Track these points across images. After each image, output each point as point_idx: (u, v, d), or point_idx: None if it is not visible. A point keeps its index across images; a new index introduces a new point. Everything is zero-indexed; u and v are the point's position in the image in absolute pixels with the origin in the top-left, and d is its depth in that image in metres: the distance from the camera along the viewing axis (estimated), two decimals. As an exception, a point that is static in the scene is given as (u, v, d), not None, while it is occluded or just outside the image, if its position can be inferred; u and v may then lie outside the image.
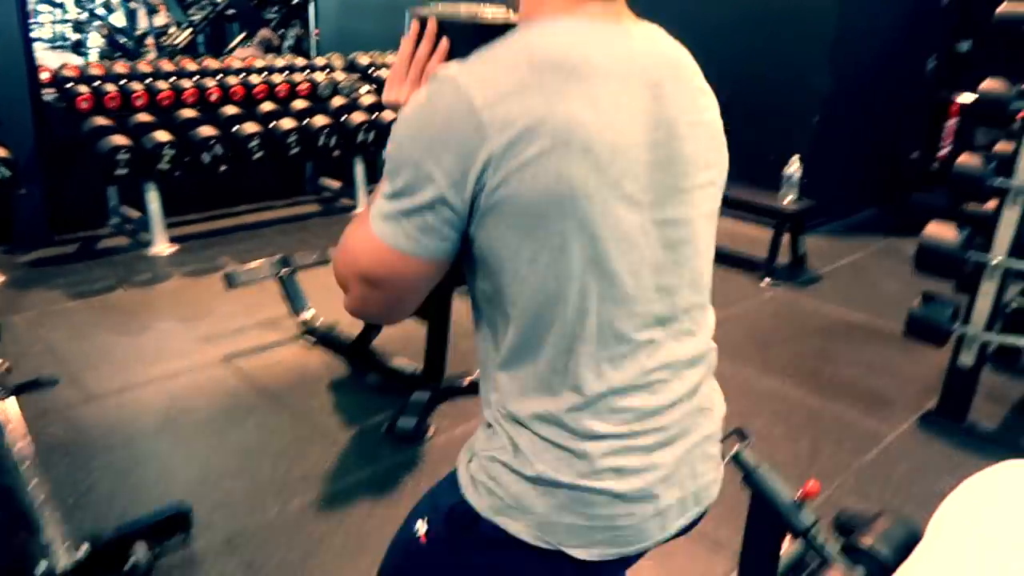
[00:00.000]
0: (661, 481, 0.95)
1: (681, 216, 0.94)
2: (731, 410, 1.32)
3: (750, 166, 4.97)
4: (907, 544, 1.77)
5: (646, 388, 0.94)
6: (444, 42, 0.97)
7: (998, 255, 2.68)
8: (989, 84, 2.67)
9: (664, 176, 0.91)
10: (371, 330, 3.08)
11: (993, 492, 1.72)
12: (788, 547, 1.97)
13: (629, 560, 0.98)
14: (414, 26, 0.99)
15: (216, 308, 3.65)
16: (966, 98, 5.42)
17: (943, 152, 5.87)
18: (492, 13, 1.01)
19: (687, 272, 0.97)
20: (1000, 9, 2.69)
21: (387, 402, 2.86)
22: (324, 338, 3.33)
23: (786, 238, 4.30)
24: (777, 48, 5.02)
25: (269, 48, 7.44)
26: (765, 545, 1.87)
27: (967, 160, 2.70)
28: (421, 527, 1.01)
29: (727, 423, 1.14)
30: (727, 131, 1.03)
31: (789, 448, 2.65)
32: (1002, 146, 3.10)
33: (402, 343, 3.29)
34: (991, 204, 2.78)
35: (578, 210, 0.85)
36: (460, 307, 2.89)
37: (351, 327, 3.36)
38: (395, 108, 0.97)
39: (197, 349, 3.26)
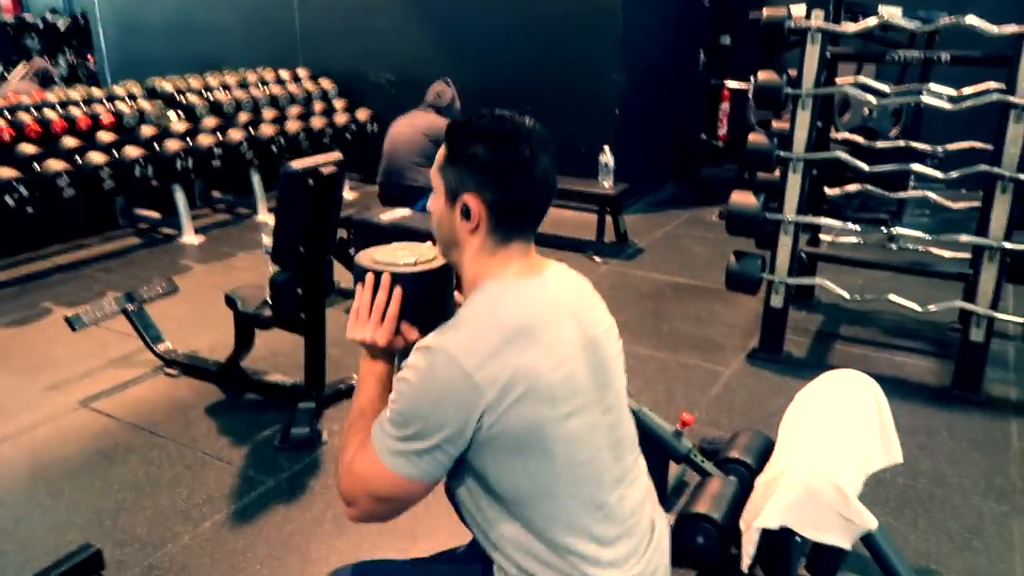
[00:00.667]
0: None
1: (613, 402, 1.27)
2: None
3: (566, 159, 5.40)
4: (764, 451, 2.14)
5: (627, 534, 1.26)
6: (398, 290, 1.25)
7: (789, 213, 3.21)
8: (765, 75, 3.18)
9: (598, 379, 1.24)
10: (241, 350, 3.08)
11: (818, 396, 2.14)
12: (670, 474, 2.30)
13: None
14: (369, 279, 1.25)
15: (54, 355, 3.44)
16: (733, 85, 6.20)
17: (722, 132, 6.68)
18: (421, 255, 1.30)
19: (625, 437, 1.30)
20: (765, 13, 3.21)
21: (270, 418, 2.89)
22: (187, 367, 3.27)
23: (608, 219, 4.75)
24: (576, 49, 5.49)
25: (46, 79, 6.88)
26: (654, 473, 2.17)
27: (756, 138, 3.20)
28: None
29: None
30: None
31: (650, 396, 3.02)
32: (778, 124, 3.68)
33: (271, 360, 3.32)
34: (778, 173, 3.31)
35: (551, 432, 1.16)
36: (331, 316, 2.99)
37: (212, 351, 3.33)
38: (365, 345, 1.27)
39: (47, 399, 3.07)
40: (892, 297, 3.18)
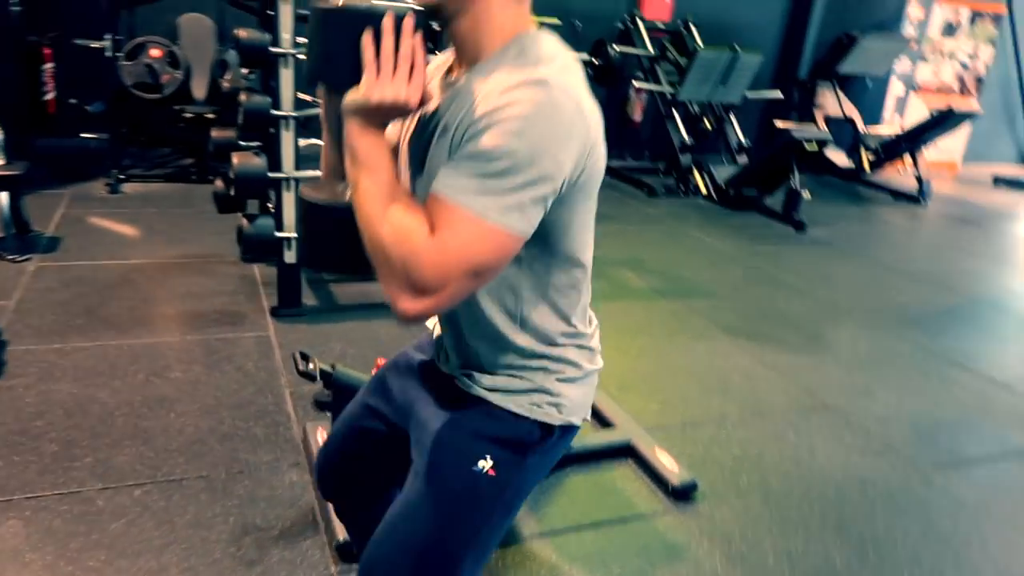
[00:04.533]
0: None
1: None
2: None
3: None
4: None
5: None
6: (419, 35, 1.05)
7: (289, 170, 3.33)
8: (247, 33, 3.14)
9: None
10: None
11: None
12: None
13: None
14: (388, 23, 1.03)
15: None
16: (95, 44, 5.49)
17: (50, 96, 5.86)
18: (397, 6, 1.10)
19: None
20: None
21: None
22: None
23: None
24: None
25: None
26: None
27: (253, 98, 3.17)
28: (485, 464, 1.17)
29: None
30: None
31: (214, 379, 2.84)
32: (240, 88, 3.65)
33: None
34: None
35: (601, 175, 1.12)
36: None
37: None
38: (378, 110, 1.04)
39: None
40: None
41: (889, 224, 6.67)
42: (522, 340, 1.17)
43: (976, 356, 3.84)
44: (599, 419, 2.83)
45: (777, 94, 7.36)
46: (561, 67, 1.04)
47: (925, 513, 2.51)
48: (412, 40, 1.04)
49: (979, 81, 9.14)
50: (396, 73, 1.04)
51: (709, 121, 6.95)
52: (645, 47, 6.86)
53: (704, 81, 6.49)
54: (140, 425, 2.53)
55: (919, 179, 7.32)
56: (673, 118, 6.72)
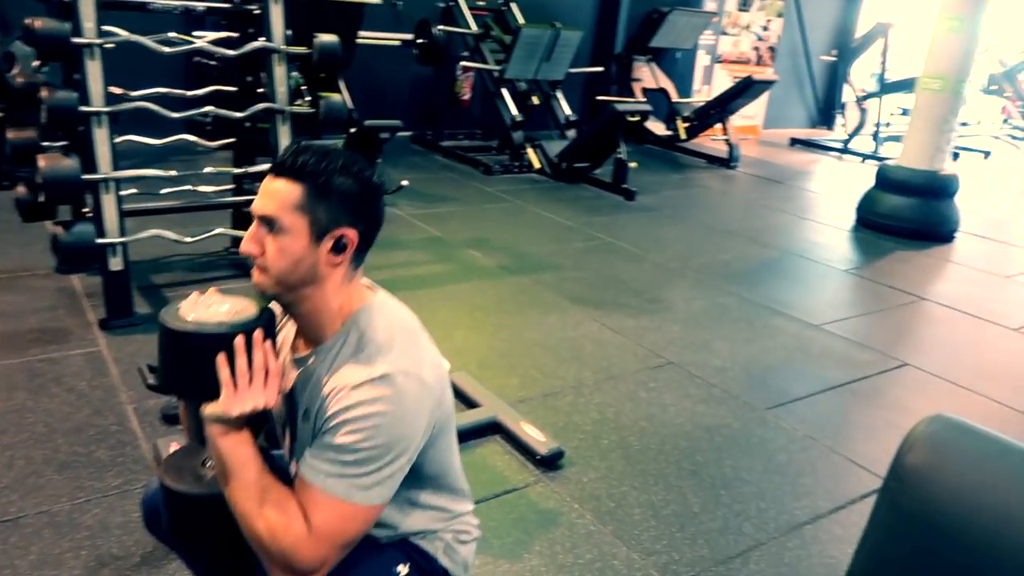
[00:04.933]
0: None
1: None
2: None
3: None
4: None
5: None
6: (269, 343, 1.17)
7: (107, 170, 3.06)
8: (43, 23, 2.85)
9: None
10: None
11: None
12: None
13: None
14: (240, 343, 1.12)
15: None
16: None
17: None
18: (233, 305, 1.19)
19: None
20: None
21: None
22: None
23: None
24: None
25: None
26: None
27: (57, 94, 2.88)
28: (403, 569, 1.31)
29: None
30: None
31: (48, 409, 2.60)
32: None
33: None
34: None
35: (452, 415, 1.32)
36: None
37: None
38: (238, 418, 1.13)
39: None
40: (221, 230, 3.47)
41: (706, 187, 7.16)
42: (401, 538, 1.32)
43: (791, 304, 4.24)
44: (464, 400, 2.87)
45: (598, 69, 7.65)
46: (399, 349, 1.18)
47: (764, 451, 2.77)
48: (263, 349, 1.14)
49: (772, 51, 9.97)
50: (252, 384, 1.13)
51: (537, 97, 7.11)
52: (468, 26, 6.90)
53: (529, 58, 6.63)
54: (-40, 465, 2.27)
55: (729, 144, 7.91)
56: (502, 96, 6.82)
